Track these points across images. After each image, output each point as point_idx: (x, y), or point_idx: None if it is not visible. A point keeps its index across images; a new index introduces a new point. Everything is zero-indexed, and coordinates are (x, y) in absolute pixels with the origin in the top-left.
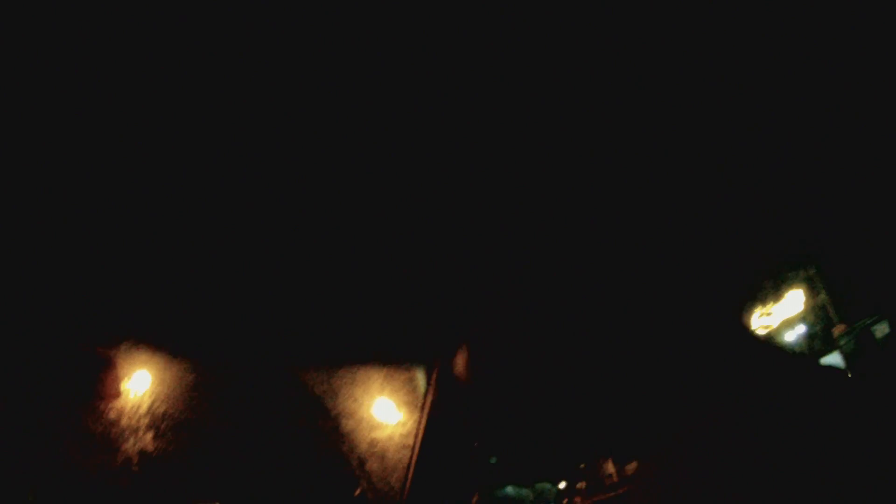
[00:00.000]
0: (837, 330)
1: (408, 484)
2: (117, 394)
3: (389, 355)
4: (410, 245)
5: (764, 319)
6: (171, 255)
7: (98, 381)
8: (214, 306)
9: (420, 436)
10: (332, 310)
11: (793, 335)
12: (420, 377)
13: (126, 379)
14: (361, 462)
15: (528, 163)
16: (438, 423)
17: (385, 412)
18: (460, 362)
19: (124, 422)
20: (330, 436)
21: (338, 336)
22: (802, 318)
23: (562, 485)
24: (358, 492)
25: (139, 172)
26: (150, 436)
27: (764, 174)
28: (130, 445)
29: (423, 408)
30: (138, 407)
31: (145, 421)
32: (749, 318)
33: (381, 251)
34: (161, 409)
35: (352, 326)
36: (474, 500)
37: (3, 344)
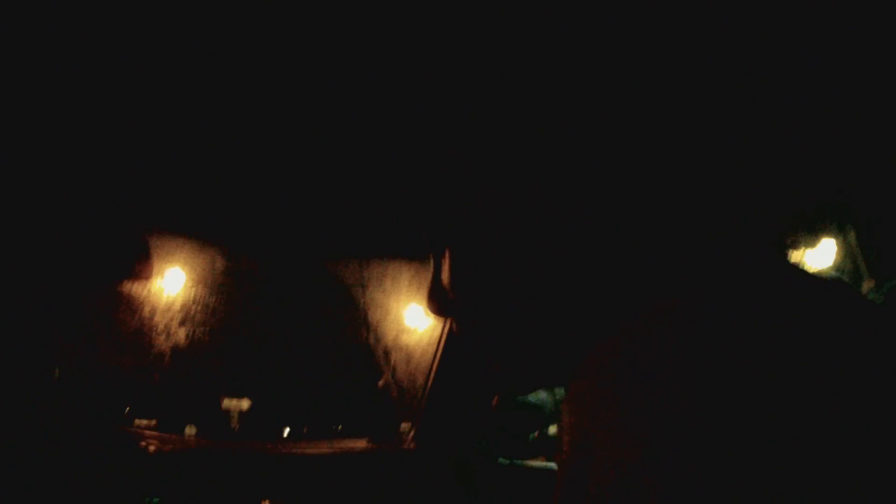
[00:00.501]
0: (867, 285)
1: (430, 382)
2: (149, 276)
3: (418, 253)
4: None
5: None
6: (200, 145)
7: (131, 264)
8: (246, 198)
9: (444, 337)
10: (362, 203)
11: None
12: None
13: (159, 269)
14: (387, 354)
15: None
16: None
17: (414, 311)
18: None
19: (157, 318)
20: (358, 326)
21: (368, 229)
22: (832, 271)
23: None
24: (381, 383)
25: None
26: (182, 332)
27: (802, 118)
28: (163, 341)
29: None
30: (172, 303)
31: (178, 317)
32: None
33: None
34: (194, 305)
35: (382, 221)
36: (494, 402)
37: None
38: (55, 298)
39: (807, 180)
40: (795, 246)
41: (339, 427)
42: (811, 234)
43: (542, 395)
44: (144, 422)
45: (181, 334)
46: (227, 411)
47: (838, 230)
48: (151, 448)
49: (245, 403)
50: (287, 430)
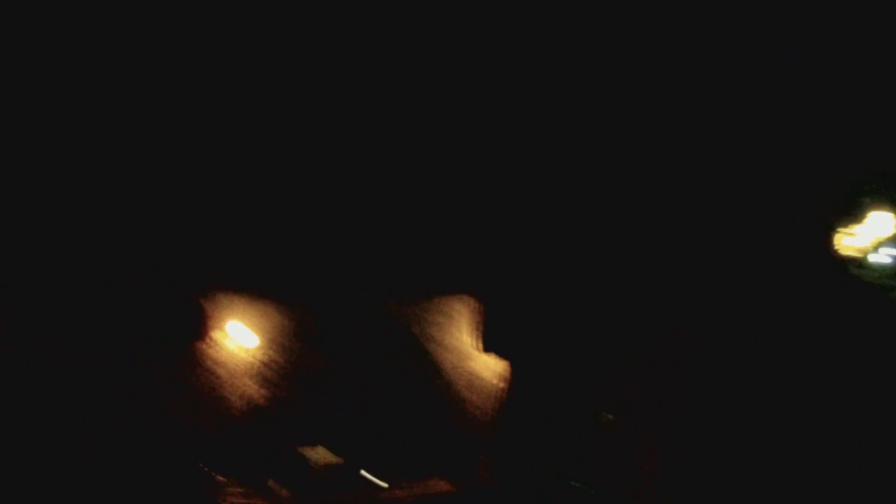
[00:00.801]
0: None
1: (500, 410)
2: (208, 339)
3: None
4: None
5: (849, 240)
6: (251, 203)
7: (191, 327)
8: (301, 250)
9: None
10: (410, 246)
11: (880, 258)
12: None
13: (221, 327)
14: (449, 387)
15: None
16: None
17: (469, 343)
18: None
19: (221, 372)
20: (421, 366)
21: (416, 269)
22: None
23: None
24: (448, 417)
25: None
26: (249, 383)
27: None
28: (230, 394)
29: None
30: (245, 362)
31: (252, 374)
32: (831, 240)
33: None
34: (259, 357)
35: (430, 259)
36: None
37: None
38: (132, 365)
39: (859, 153)
40: (848, 220)
41: (416, 465)
42: (866, 205)
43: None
44: (222, 478)
45: (256, 390)
46: (306, 461)
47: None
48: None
49: (321, 452)
50: (364, 472)
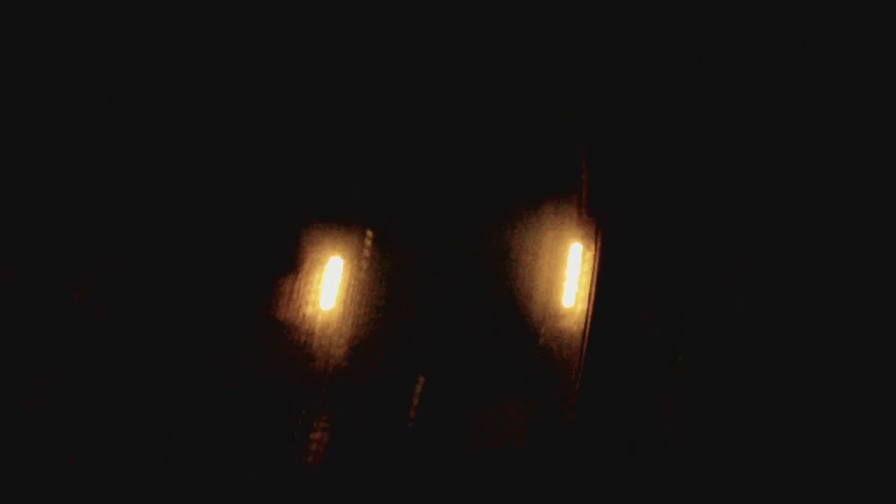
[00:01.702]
0: None
1: (586, 343)
2: (308, 268)
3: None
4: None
5: None
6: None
7: (290, 258)
8: (383, 176)
9: (592, 300)
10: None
11: None
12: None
13: (319, 260)
14: (542, 321)
15: None
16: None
17: (561, 274)
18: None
19: (316, 341)
20: (508, 297)
21: (505, 197)
22: None
23: None
24: (537, 348)
25: None
26: (353, 315)
27: None
28: (335, 331)
29: (593, 270)
30: (329, 321)
31: (338, 334)
32: None
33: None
34: (355, 294)
35: (518, 184)
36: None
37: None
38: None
39: None
40: None
41: (511, 396)
42: None
43: None
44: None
45: (351, 320)
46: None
47: None
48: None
49: (420, 382)
50: (462, 399)
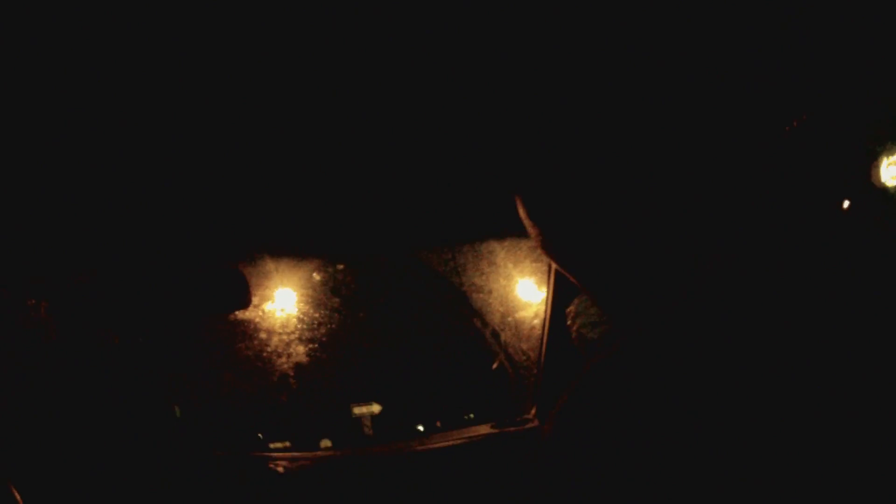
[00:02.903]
0: None
1: (543, 350)
2: (248, 305)
3: (508, 227)
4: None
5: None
6: (280, 168)
7: (230, 295)
8: (328, 204)
9: (549, 302)
10: (443, 188)
11: None
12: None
13: (267, 295)
14: (496, 335)
15: None
16: (565, 290)
17: (514, 284)
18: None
19: (275, 339)
20: (462, 314)
21: (453, 213)
22: None
23: None
24: (496, 365)
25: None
26: (301, 348)
27: None
28: (285, 360)
29: (548, 274)
30: (285, 323)
31: (295, 335)
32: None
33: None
34: (307, 320)
35: (466, 202)
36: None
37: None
38: (167, 337)
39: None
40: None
41: (472, 415)
42: None
43: None
44: (279, 444)
45: (300, 351)
46: (359, 419)
47: None
48: (280, 469)
49: (375, 408)
50: (420, 427)
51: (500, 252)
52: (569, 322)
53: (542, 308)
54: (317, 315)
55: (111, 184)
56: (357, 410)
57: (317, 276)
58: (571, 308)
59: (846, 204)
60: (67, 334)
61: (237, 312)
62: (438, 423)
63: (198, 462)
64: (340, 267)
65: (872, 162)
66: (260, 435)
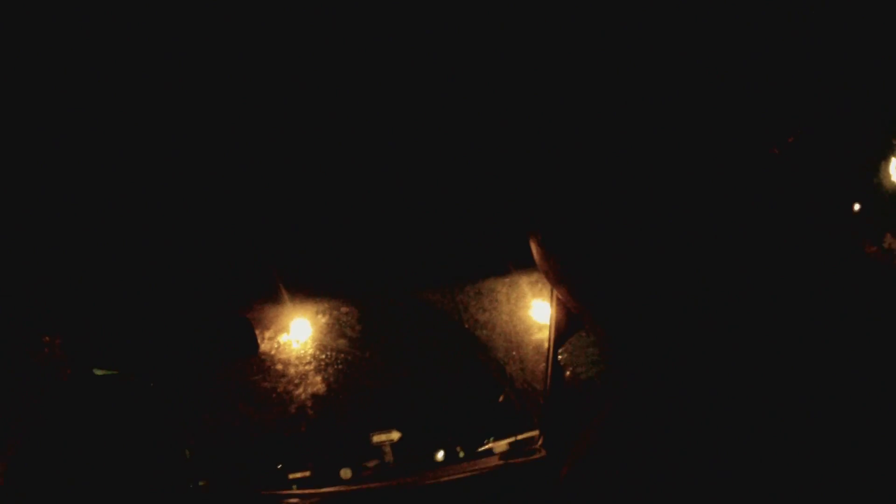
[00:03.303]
0: None
1: (548, 382)
2: (255, 352)
3: (508, 263)
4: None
5: None
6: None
7: (236, 342)
8: (332, 247)
9: (552, 334)
10: (444, 229)
11: None
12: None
13: (282, 332)
14: (501, 368)
15: None
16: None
17: (516, 319)
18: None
19: (292, 371)
20: (467, 350)
21: (454, 253)
22: None
23: None
24: (502, 398)
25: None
26: (319, 378)
27: None
28: (302, 391)
29: (551, 306)
30: (303, 354)
31: (312, 366)
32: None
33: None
34: (323, 353)
35: (466, 241)
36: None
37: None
38: (178, 378)
39: None
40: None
41: (492, 439)
42: None
43: None
44: (298, 474)
45: (318, 383)
46: (380, 446)
47: None
48: None
49: (395, 435)
50: (441, 453)
51: (502, 289)
52: (562, 365)
53: (545, 341)
54: (344, 353)
55: (129, 216)
56: (377, 438)
57: (322, 318)
58: (565, 354)
59: (857, 207)
60: (80, 373)
61: (242, 360)
62: (459, 448)
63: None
64: (345, 310)
65: (884, 161)
66: (279, 466)
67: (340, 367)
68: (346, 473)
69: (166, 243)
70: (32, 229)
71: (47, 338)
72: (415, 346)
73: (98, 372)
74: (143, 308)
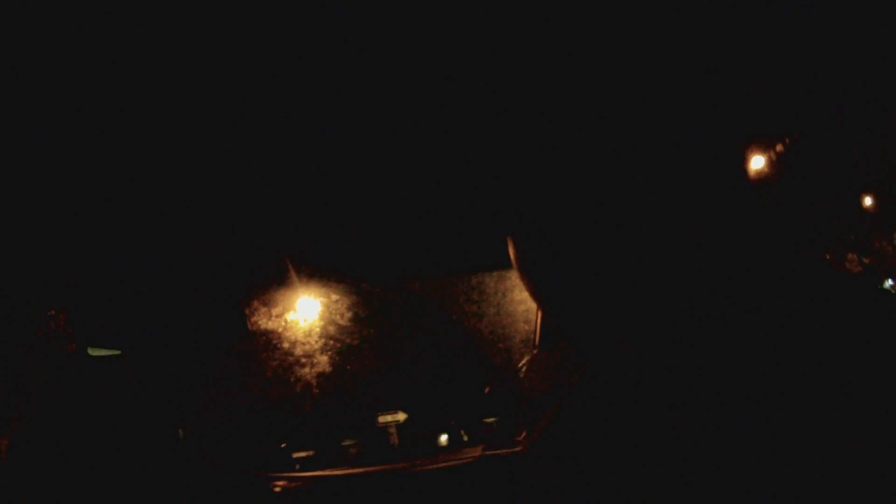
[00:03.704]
0: None
1: (533, 375)
2: (245, 336)
3: (498, 257)
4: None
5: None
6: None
7: (227, 327)
8: (348, 229)
9: (538, 327)
10: (442, 222)
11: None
12: None
13: (289, 310)
14: (487, 361)
15: None
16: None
17: (505, 310)
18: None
19: (299, 350)
20: (457, 339)
21: (447, 246)
22: None
23: None
24: (488, 389)
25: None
26: (325, 358)
27: None
28: (308, 371)
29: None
30: (310, 333)
31: (319, 344)
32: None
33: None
34: (330, 332)
35: (460, 235)
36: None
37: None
38: (176, 358)
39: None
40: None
41: (496, 421)
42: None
43: None
44: (302, 453)
45: (324, 362)
46: (385, 427)
47: None
48: (277, 489)
49: (401, 416)
50: (444, 436)
51: (491, 283)
52: (521, 374)
53: (531, 335)
54: (348, 334)
55: (139, 205)
56: (382, 419)
57: (346, 299)
58: (524, 363)
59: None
60: (84, 348)
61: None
62: (462, 432)
63: (197, 483)
64: (363, 291)
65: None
66: (283, 444)
67: (346, 348)
68: (349, 443)
69: (176, 232)
70: (40, 211)
71: (53, 311)
72: (418, 333)
73: (93, 352)
74: (145, 290)
